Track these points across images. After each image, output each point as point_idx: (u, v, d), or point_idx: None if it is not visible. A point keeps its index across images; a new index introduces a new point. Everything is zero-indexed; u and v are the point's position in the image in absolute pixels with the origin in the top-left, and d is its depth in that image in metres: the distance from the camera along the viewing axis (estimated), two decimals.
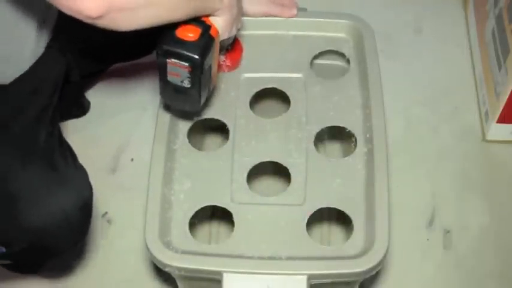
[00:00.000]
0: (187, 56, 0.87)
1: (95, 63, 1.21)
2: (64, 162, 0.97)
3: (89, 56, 1.17)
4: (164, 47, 0.87)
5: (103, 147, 1.20)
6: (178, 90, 0.91)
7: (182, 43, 0.87)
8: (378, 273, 0.97)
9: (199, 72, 0.88)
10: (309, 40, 1.08)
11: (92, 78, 1.31)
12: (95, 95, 1.34)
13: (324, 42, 1.09)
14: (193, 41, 0.87)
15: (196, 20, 0.88)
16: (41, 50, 0.98)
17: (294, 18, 1.08)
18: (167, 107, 0.99)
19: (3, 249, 0.93)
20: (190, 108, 0.97)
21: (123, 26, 0.80)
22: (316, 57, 1.08)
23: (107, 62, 1.26)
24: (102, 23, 0.77)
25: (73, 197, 0.93)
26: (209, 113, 1.01)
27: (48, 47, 1.00)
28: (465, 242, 1.19)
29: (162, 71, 0.89)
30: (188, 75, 0.89)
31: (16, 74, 0.97)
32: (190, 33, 0.87)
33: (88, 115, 1.33)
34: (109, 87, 1.37)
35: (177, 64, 0.88)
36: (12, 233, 0.91)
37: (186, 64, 0.87)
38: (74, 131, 1.14)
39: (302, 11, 1.10)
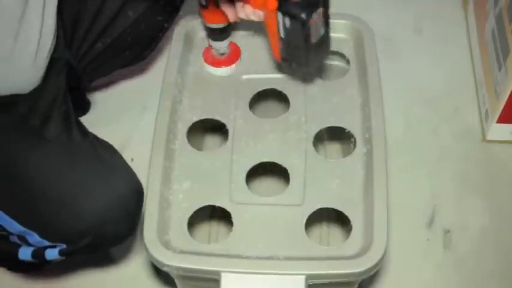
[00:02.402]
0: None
1: (94, 74, 1.22)
2: (109, 154, 0.99)
3: (88, 67, 1.18)
4: (303, 14, 0.86)
5: None
6: (318, 46, 0.92)
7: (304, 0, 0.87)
8: (377, 273, 0.97)
9: (329, 5, 0.89)
10: None
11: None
12: (95, 95, 1.35)
13: None
14: None
15: None
16: (43, 57, 0.98)
17: None
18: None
19: (64, 246, 0.94)
20: (325, 56, 0.96)
21: None
22: None
23: (105, 72, 1.27)
24: None
25: (127, 184, 0.95)
26: (209, 113, 1.01)
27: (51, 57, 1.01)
28: (465, 242, 1.19)
29: (306, 41, 0.89)
30: (323, 19, 0.89)
31: (22, 84, 0.98)
32: None
33: (88, 115, 1.33)
34: (109, 87, 1.37)
35: (316, 18, 0.88)
36: (74, 230, 0.92)
37: (321, 8, 0.88)
38: None
39: None
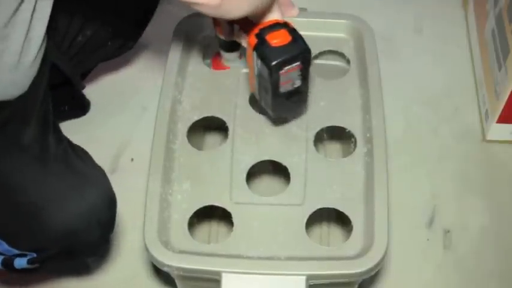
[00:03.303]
0: (298, 54, 0.86)
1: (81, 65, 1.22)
2: (82, 163, 0.98)
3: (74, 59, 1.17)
4: (274, 62, 0.86)
5: (103, 147, 1.21)
6: (290, 95, 0.91)
7: (286, 48, 0.86)
8: (377, 273, 0.97)
9: (309, 62, 0.88)
10: (309, 40, 1.07)
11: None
12: (95, 95, 1.34)
13: (324, 42, 1.09)
14: (292, 41, 0.86)
15: (273, 26, 0.88)
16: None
17: (294, 18, 1.08)
18: (277, 119, 0.99)
19: (34, 255, 0.94)
20: (301, 105, 0.96)
21: (235, 12, 0.82)
22: (316, 57, 1.08)
23: (89, 66, 1.26)
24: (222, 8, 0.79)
25: (98, 193, 0.94)
26: (208, 112, 1.01)
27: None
28: (465, 242, 1.19)
29: (274, 88, 0.89)
30: (299, 72, 0.88)
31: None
32: (280, 38, 0.86)
33: (88, 115, 1.33)
34: (109, 87, 1.37)
35: (290, 69, 0.87)
36: (43, 240, 0.92)
37: (298, 63, 0.87)
38: (74, 131, 1.14)
39: (302, 11, 1.09)
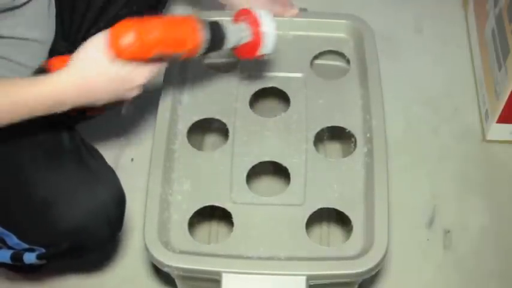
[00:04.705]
0: None
1: None
2: (94, 161, 0.98)
3: None
4: None
5: (103, 147, 1.20)
6: None
7: None
8: (377, 273, 0.97)
9: None
10: (309, 40, 1.08)
11: None
12: None
13: (324, 42, 1.09)
14: None
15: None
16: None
17: (294, 18, 1.08)
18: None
19: (43, 250, 0.94)
20: None
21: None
22: (316, 57, 1.08)
23: None
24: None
25: (109, 191, 0.94)
26: (209, 113, 1.01)
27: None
28: (465, 242, 1.19)
29: None
30: None
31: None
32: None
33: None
34: None
35: None
36: (53, 235, 0.92)
37: None
38: None
39: (302, 11, 1.10)
